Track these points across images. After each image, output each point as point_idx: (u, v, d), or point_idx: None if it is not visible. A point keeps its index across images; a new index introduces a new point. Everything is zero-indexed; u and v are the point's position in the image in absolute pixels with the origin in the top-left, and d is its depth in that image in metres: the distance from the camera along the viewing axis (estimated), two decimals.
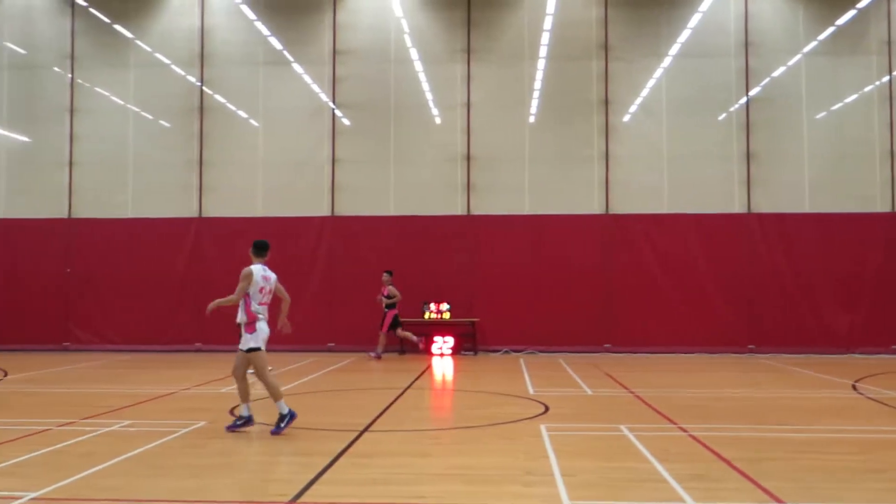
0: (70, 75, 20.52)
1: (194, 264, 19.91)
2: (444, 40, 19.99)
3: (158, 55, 20.43)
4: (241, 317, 8.88)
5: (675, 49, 19.58)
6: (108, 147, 20.39)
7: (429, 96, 20.05)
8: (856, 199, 18.93)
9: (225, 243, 19.77)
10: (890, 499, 5.90)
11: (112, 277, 19.93)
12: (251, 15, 20.27)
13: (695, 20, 19.48)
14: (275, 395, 8.64)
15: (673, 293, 18.98)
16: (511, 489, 6.06)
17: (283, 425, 8.42)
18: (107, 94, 20.63)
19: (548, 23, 19.69)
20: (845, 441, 8.08)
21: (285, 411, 8.48)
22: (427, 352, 18.67)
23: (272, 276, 9.28)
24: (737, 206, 19.18)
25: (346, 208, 19.81)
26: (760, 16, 19.42)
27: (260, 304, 8.91)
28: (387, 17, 20.05)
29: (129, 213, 20.17)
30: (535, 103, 19.80)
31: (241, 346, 8.81)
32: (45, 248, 20.16)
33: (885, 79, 19.08)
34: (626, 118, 19.61)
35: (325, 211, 19.82)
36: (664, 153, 19.41)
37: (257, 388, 9.62)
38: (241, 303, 8.84)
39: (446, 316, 18.94)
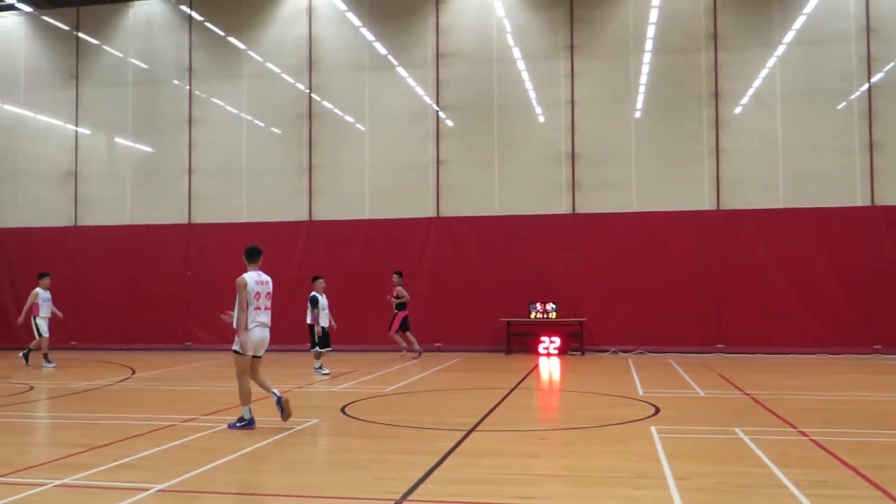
0: (188, 87, 21.54)
1: (305, 266, 20.49)
2: (547, 38, 19.85)
3: (269, 65, 21.16)
4: (236, 321, 9.10)
5: (789, 36, 18.76)
6: (224, 154, 21.29)
7: (532, 95, 19.96)
8: None
9: (334, 245, 20.32)
10: None
11: (229, 280, 20.61)
12: (356, 22, 20.72)
13: (811, 5, 18.61)
14: (243, 400, 8.86)
15: (789, 291, 18.20)
16: (621, 492, 5.96)
17: (238, 425, 8.70)
18: (222, 103, 21.54)
19: (654, 15, 19.25)
20: None
21: (248, 416, 8.74)
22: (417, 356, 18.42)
23: (268, 279, 9.56)
24: (859, 200, 18.20)
25: (451, 209, 19.96)
26: None
27: (256, 308, 9.12)
28: (489, 18, 20.09)
29: (244, 218, 20.98)
30: (640, 98, 19.39)
31: (233, 346, 9.04)
32: (168, 252, 21.24)
33: None
34: (738, 110, 18.94)
35: (430, 212, 20.03)
36: (779, 146, 18.63)
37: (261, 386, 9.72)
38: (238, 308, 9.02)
39: (553, 316, 18.80)
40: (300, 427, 8.82)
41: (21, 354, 16.95)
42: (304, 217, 20.68)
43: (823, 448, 7.47)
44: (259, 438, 8.07)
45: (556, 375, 15.09)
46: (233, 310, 9.14)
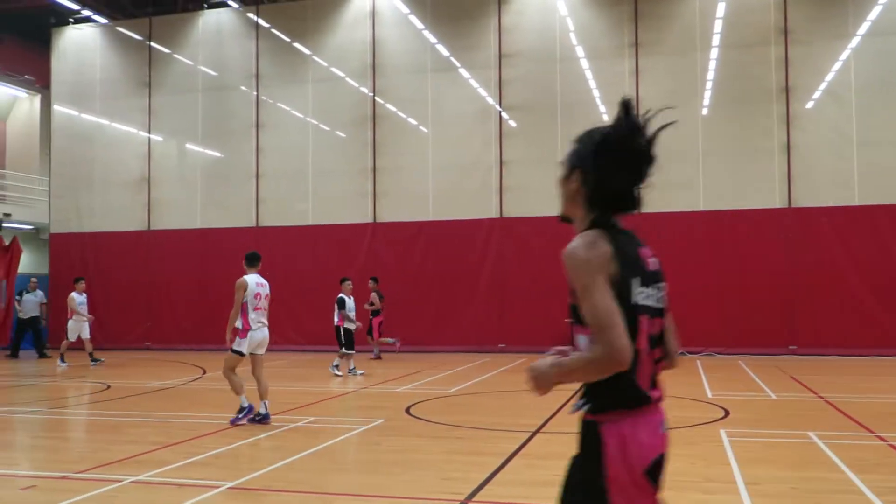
0: (255, 93, 21.99)
1: (369, 268, 20.70)
2: (611, 36, 19.63)
3: (333, 69, 21.46)
4: (238, 323, 9.41)
5: (863, 28, 18.14)
6: (290, 158, 21.67)
7: (595, 93, 19.76)
8: None
9: (398, 247, 20.49)
10: None
11: (295, 281, 21.12)
12: (419, 24, 20.84)
13: None
14: (237, 391, 9.30)
15: (865, 291, 17.57)
16: (690, 496, 5.85)
17: (239, 417, 9.13)
18: (288, 108, 21.93)
19: (721, 10, 18.85)
20: None
21: (245, 405, 9.19)
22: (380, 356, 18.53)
23: (266, 283, 9.87)
24: None
25: (515, 210, 19.90)
26: None
27: (255, 309, 9.49)
28: (551, 17, 19.97)
29: (310, 221, 21.31)
30: (707, 95, 19.01)
31: (233, 347, 9.40)
32: (236, 255, 21.64)
33: None
34: (810, 105, 18.40)
35: (493, 213, 20.02)
36: (854, 140, 18.02)
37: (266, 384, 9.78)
38: (241, 311, 9.37)
39: None
40: (366, 427, 8.92)
41: (91, 362, 17.50)
42: (368, 219, 20.89)
43: None
44: (326, 438, 8.19)
45: None
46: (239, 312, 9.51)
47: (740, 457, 7.08)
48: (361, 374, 14.89)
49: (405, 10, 20.94)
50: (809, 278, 17.89)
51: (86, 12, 23.04)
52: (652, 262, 2.73)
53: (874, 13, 18.05)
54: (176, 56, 22.85)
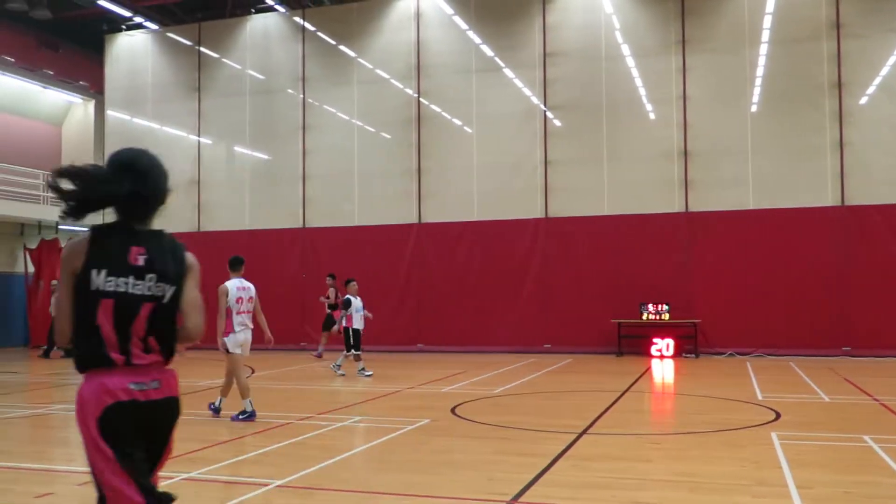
0: (301, 95, 22.25)
1: (415, 268, 20.81)
2: (657, 33, 19.41)
3: (378, 71, 21.60)
4: (223, 326, 9.79)
5: None
6: (336, 160, 21.87)
7: (642, 92, 19.56)
8: None
9: (443, 247, 20.53)
10: None
11: (341, 281, 21.26)
12: (463, 25, 20.86)
13: None
14: (243, 394, 9.68)
15: None
16: (740, 499, 5.76)
17: (241, 417, 9.53)
18: (333, 110, 22.15)
19: (770, 5, 18.51)
20: None
21: (249, 409, 9.59)
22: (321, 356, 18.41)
23: (250, 286, 10.15)
24: None
25: (560, 209, 19.80)
26: None
27: (238, 313, 9.78)
28: (596, 15, 19.82)
29: (356, 222, 21.48)
30: (757, 91, 18.68)
31: (229, 349, 9.78)
32: (284, 255, 21.99)
33: None
34: (863, 101, 17.96)
35: (538, 213, 19.94)
36: None
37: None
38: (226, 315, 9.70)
39: (665, 317, 18.35)
40: (412, 427, 8.96)
41: None
42: (413, 220, 20.97)
43: None
44: (372, 437, 8.26)
45: (670, 378, 14.74)
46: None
47: (792, 460, 6.95)
48: (370, 375, 14.77)
49: (449, 10, 20.98)
50: (864, 278, 17.47)
51: (137, 19, 23.57)
52: (139, 259, 3.34)
53: None
54: (224, 60, 23.23)
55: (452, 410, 10.23)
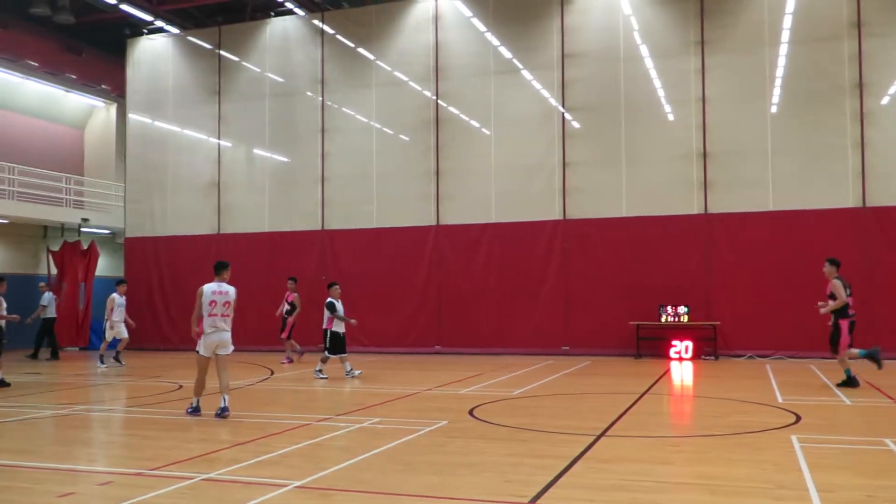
0: (321, 98, 22.36)
1: (434, 270, 20.84)
2: (676, 34, 19.32)
3: (397, 73, 21.66)
4: (196, 327, 10.30)
5: None
6: (355, 162, 21.95)
7: (660, 93, 19.48)
8: None
9: (462, 249, 20.56)
10: None
11: (361, 283, 21.38)
12: (481, 27, 20.88)
13: None
14: (196, 391, 10.34)
15: None
16: (760, 503, 5.73)
17: (189, 410, 10.17)
18: (352, 113, 22.23)
19: (790, 4, 18.38)
20: None
21: (195, 405, 10.17)
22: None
23: (228, 290, 10.33)
24: None
25: (578, 211, 19.76)
26: None
27: (210, 315, 10.07)
28: (615, 16, 19.77)
29: (375, 224, 21.55)
30: (776, 92, 18.54)
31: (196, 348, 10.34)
32: (304, 257, 22.09)
33: None
34: (885, 101, 17.79)
35: (556, 215, 19.91)
36: None
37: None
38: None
39: (684, 319, 18.25)
40: (430, 429, 8.98)
41: (113, 358, 18.08)
42: (431, 221, 21.00)
43: None
44: (390, 439, 8.28)
45: (689, 380, 14.66)
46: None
47: (813, 463, 6.90)
48: (359, 373, 14.96)
49: (468, 13, 21.01)
50: (885, 279, 17.30)
51: (158, 23, 23.79)
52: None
53: None
54: (244, 63, 23.39)
55: (470, 412, 10.24)
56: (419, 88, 21.45)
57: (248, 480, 6.51)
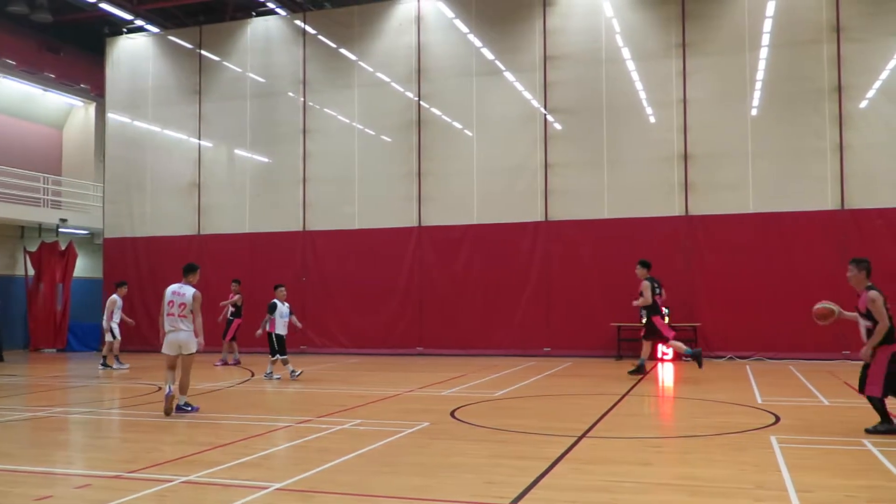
0: (302, 99, 22.27)
1: (415, 271, 20.82)
2: (658, 37, 19.43)
3: (379, 74, 21.62)
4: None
5: None
6: (337, 163, 21.89)
7: (642, 95, 19.58)
8: None
9: (444, 250, 20.55)
10: None
11: (342, 285, 21.33)
12: (464, 28, 20.89)
13: None
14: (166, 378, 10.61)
15: None
16: (741, 503, 5.75)
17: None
18: (334, 113, 22.16)
19: (770, 8, 18.54)
20: None
21: (168, 391, 10.39)
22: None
23: (186, 292, 10.65)
24: None
25: (560, 212, 19.81)
26: None
27: (168, 315, 10.56)
28: (597, 19, 19.85)
29: (357, 225, 21.49)
30: (757, 95, 18.69)
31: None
32: (284, 259, 21.99)
33: None
34: (864, 104, 17.98)
35: (538, 216, 19.95)
36: None
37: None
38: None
39: (665, 321, 18.29)
40: (412, 430, 8.95)
41: (101, 364, 17.92)
42: (413, 223, 20.98)
43: None
44: (372, 440, 8.25)
45: (670, 382, 14.72)
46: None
47: (792, 464, 6.94)
48: (301, 373, 15.00)
49: (450, 14, 21.01)
50: None
51: (139, 22, 23.60)
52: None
53: None
54: (225, 63, 23.26)
55: (452, 414, 10.23)
56: (401, 89, 21.43)
57: (228, 483, 6.46)
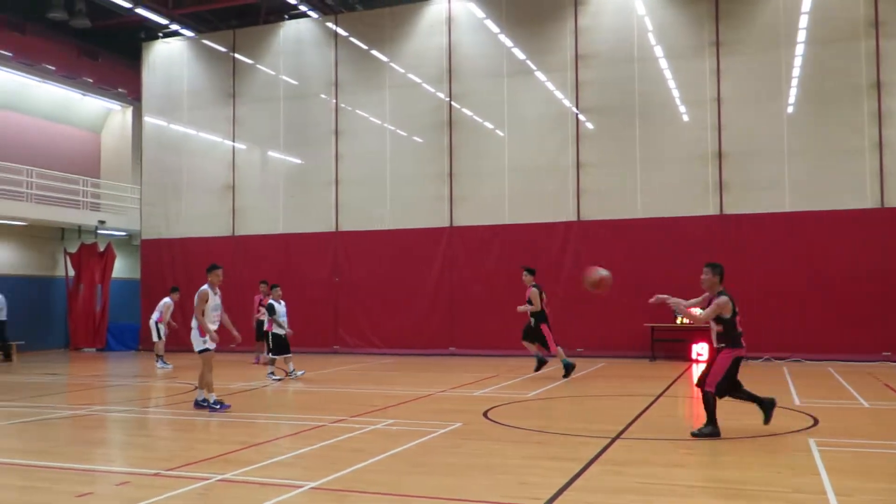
0: (334, 100, 22.41)
1: (447, 271, 20.85)
2: (691, 35, 19.24)
3: (410, 75, 21.69)
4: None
5: None
6: (368, 164, 21.99)
7: (675, 94, 19.40)
8: None
9: (475, 250, 20.55)
10: None
11: (374, 285, 21.42)
12: (494, 28, 20.88)
13: None
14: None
15: None
16: None
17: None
18: (366, 115, 22.27)
19: (806, 4, 18.26)
20: None
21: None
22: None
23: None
24: None
25: (592, 212, 19.70)
26: None
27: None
28: (629, 17, 19.70)
29: (388, 226, 21.57)
30: (793, 92, 18.42)
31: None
32: (317, 259, 22.15)
33: None
34: None
35: (570, 216, 19.86)
36: None
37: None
38: None
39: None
40: (444, 430, 8.97)
41: (159, 360, 18.27)
42: (445, 223, 21.00)
43: None
44: (405, 441, 8.28)
45: None
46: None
47: (830, 467, 6.84)
48: (302, 373, 15.24)
49: (481, 14, 21.01)
50: None
51: (174, 26, 23.94)
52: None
53: None
54: (258, 66, 23.49)
55: (485, 414, 10.23)
56: (432, 90, 21.47)
57: (262, 481, 6.54)
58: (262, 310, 18.39)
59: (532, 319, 14.66)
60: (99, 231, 25.94)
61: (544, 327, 14.59)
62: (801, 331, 17.64)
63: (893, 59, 17.60)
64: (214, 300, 11.05)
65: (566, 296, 19.61)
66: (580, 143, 19.88)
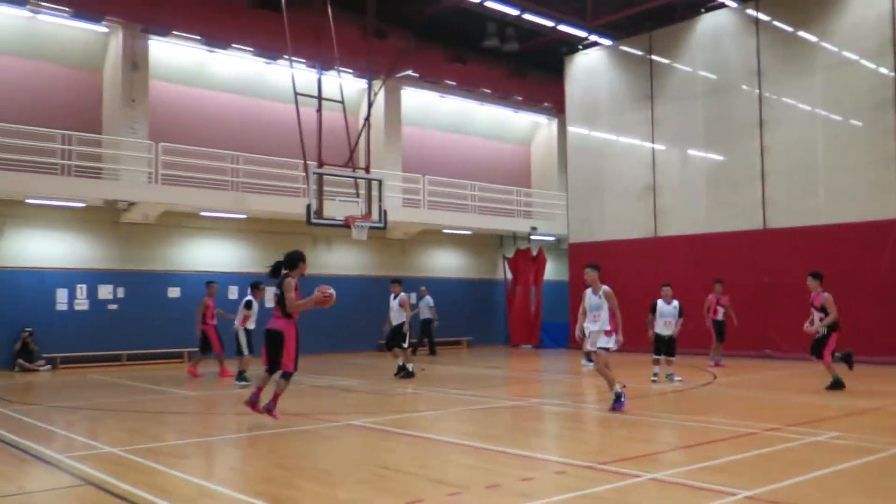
0: (757, 90, 21.24)
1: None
2: None
3: (844, 53, 19.65)
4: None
5: None
6: (797, 155, 20.42)
7: None
8: None
9: None
10: None
11: (801, 285, 19.73)
12: None
13: None
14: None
15: None
16: None
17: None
18: (793, 102, 20.72)
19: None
20: None
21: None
22: None
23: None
24: None
25: None
26: None
27: None
28: None
29: (822, 220, 19.75)
30: None
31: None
32: (740, 258, 21.17)
33: None
34: None
35: None
36: None
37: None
38: None
39: None
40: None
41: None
42: (891, 215, 18.58)
43: None
44: (850, 457, 7.54)
45: None
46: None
47: None
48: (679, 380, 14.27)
49: None
50: None
51: (592, 38, 24.93)
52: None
53: None
54: (675, 65, 23.30)
55: None
56: (873, 66, 19.16)
57: (693, 484, 6.49)
58: (719, 310, 18.24)
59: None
60: (531, 237, 28.10)
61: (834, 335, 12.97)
62: None
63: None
64: (593, 299, 11.50)
65: None
66: None
